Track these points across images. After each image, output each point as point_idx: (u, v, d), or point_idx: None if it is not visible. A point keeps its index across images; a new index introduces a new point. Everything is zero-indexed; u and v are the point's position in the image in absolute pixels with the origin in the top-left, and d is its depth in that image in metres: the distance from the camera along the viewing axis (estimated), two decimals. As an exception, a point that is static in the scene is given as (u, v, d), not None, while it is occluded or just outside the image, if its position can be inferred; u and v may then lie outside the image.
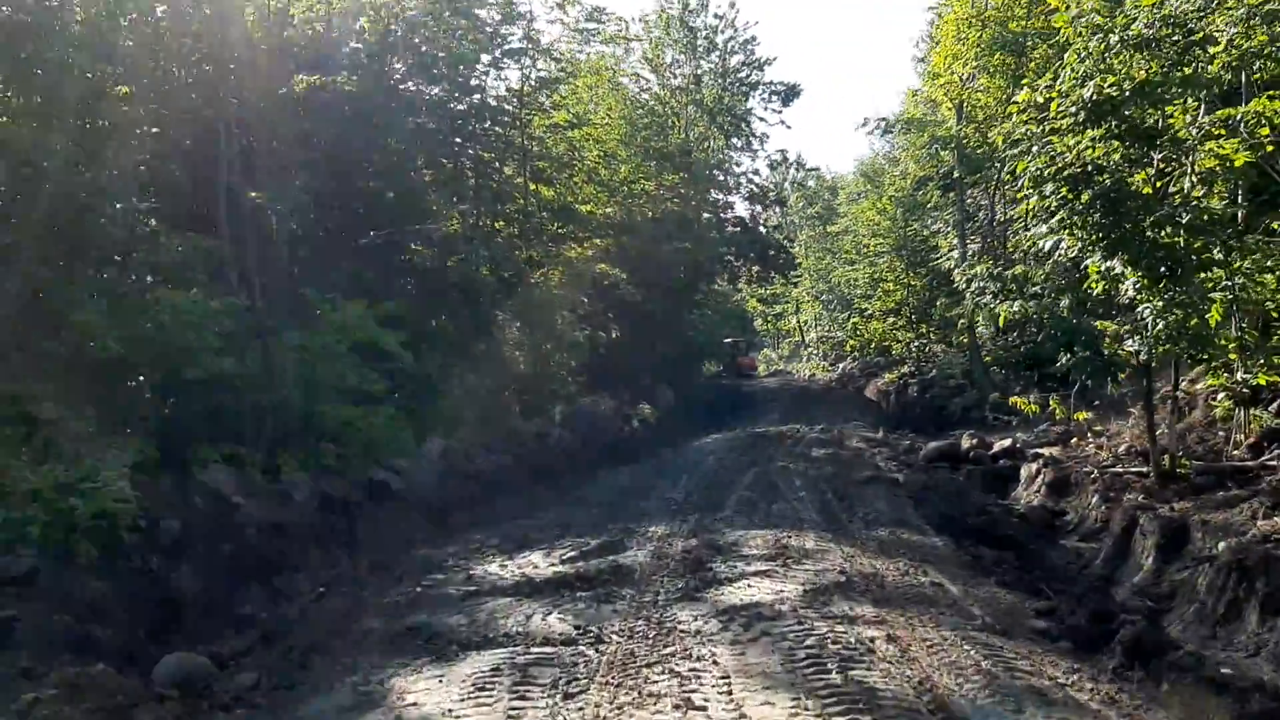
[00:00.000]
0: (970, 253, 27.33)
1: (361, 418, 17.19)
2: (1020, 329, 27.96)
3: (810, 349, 58.78)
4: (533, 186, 29.81)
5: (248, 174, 17.78)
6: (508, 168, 29.45)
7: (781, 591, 7.75)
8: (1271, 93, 13.30)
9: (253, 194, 17.26)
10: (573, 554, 9.37)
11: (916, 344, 41.84)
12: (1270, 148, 13.83)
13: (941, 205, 30.60)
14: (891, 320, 44.49)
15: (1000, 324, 13.21)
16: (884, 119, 27.23)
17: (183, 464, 13.32)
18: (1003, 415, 24.36)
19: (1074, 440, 17.83)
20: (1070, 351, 13.48)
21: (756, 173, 37.28)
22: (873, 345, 44.78)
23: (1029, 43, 25.62)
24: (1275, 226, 13.66)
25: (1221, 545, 10.09)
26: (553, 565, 9.02)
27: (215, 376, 14.39)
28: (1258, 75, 13.75)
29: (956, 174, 26.40)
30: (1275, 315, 13.62)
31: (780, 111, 41.01)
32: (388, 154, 23.14)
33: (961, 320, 31.35)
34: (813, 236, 56.24)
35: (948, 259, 33.24)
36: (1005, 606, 7.79)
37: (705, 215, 36.92)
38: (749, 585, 8.03)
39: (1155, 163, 13.92)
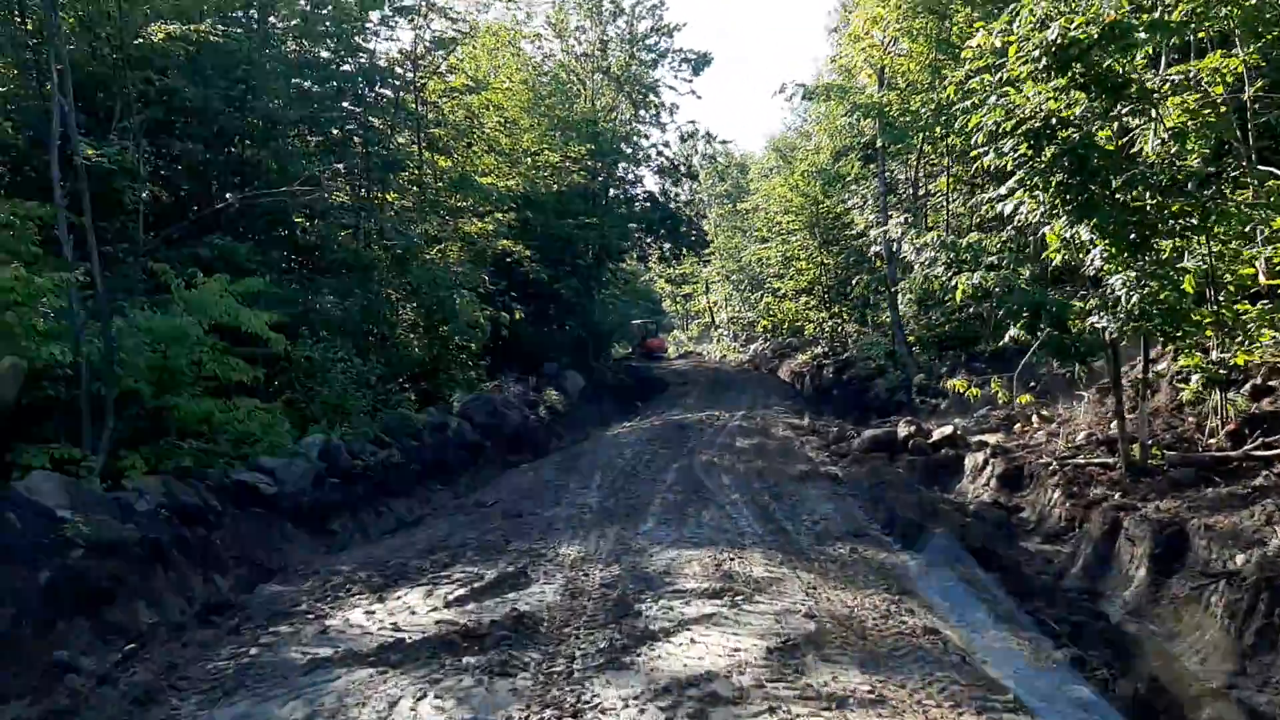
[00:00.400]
0: (892, 225, 25.81)
1: (224, 411, 14.74)
2: (940, 306, 26.64)
3: (721, 330, 57.25)
4: (428, 156, 27.35)
5: (94, 132, 15.17)
6: (401, 136, 26.92)
7: (738, 651, 5.76)
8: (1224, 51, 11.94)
9: (91, 152, 14.58)
10: (461, 593, 7.22)
11: (830, 324, 40.54)
12: (1224, 107, 12.44)
13: (862, 177, 29.03)
14: (804, 300, 43.13)
15: (958, 298, 11.38)
16: (802, 85, 25.49)
17: (-4, 471, 10.76)
18: (930, 398, 22.93)
19: (1018, 426, 16.31)
20: (1033, 330, 11.79)
21: (667, 145, 35.41)
22: (786, 326, 43.35)
23: (953, 6, 24.12)
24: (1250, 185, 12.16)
25: (1240, 558, 8.45)
26: (434, 611, 6.85)
27: (42, 364, 11.88)
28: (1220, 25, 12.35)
29: (879, 143, 24.77)
30: (1253, 286, 12.16)
31: (690, 81, 39.13)
32: (265, 117, 20.51)
33: (882, 299, 29.95)
34: (723, 215, 54.62)
35: (869, 234, 31.79)
36: (1027, 660, 5.94)
37: (613, 190, 34.82)
38: (693, 640, 6.01)
39: (1121, 116, 12.34)
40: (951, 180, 28.13)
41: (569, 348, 33.84)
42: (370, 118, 25.14)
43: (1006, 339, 14.56)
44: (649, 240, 36.37)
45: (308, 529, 13.82)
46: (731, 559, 8.21)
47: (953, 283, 11.93)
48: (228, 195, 18.31)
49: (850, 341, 39.17)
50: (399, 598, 7.27)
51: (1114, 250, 11.64)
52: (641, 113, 36.08)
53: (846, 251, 35.39)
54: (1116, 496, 11.30)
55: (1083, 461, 13.04)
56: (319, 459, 16.82)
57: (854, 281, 36.88)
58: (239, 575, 11.58)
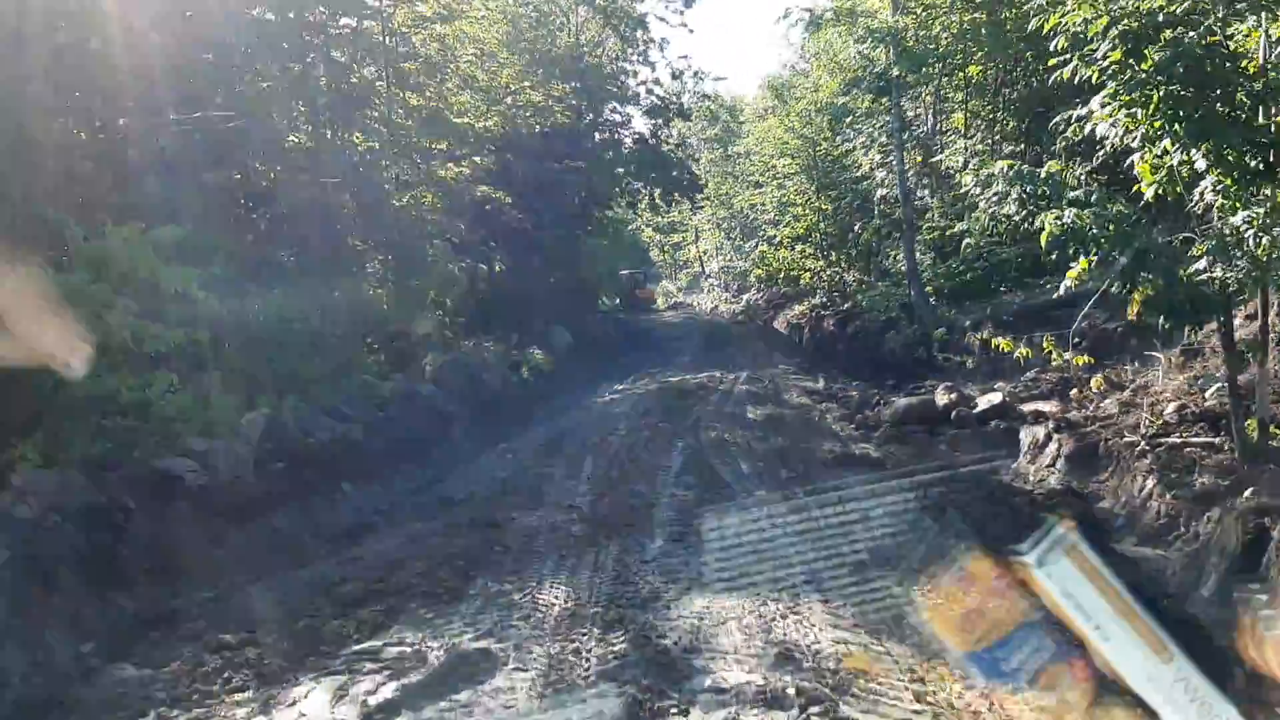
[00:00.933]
0: (907, 166, 23.25)
1: (137, 388, 12.14)
2: (958, 251, 24.06)
3: (711, 280, 54.59)
4: (398, 93, 24.45)
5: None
6: (367, 70, 24.04)
7: None
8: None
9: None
10: (389, 693, 4.74)
11: (829, 273, 37.92)
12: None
13: (871, 113, 26.25)
14: (801, 248, 40.46)
15: (1044, 241, 8.79)
16: (808, 10, 22.76)
17: None
18: (954, 355, 20.45)
19: (1074, 393, 13.81)
20: (1131, 281, 9.24)
21: (657, 83, 32.39)
22: (781, 275, 40.71)
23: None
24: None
25: None
26: (342, 727, 4.37)
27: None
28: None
29: (896, 70, 21.99)
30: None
31: (682, 14, 35.96)
32: (218, 50, 17.77)
33: (891, 245, 27.35)
34: (713, 160, 51.63)
35: (878, 176, 29.10)
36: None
37: (600, 132, 31.93)
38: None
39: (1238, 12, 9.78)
40: (968, 116, 25.43)
41: (555, 301, 31.18)
42: (332, 50, 22.26)
43: (1064, 288, 12.06)
44: (639, 185, 33.55)
45: (244, 526, 11.35)
46: (783, 615, 5.76)
47: (1034, 223, 9.32)
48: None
49: (850, 291, 36.63)
50: (293, 703, 4.73)
51: (1232, 181, 9.10)
52: (629, 48, 33.01)
53: (851, 195, 32.65)
54: (1251, 497, 8.81)
55: (1178, 441, 10.57)
56: (262, 439, 14.24)
57: (856, 228, 34.22)
58: (148, 593, 9.27)
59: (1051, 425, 12.27)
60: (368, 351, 19.67)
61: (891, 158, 28.51)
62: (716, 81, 52.58)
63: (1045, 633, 5.02)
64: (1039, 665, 4.02)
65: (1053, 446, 11.96)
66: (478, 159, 27.26)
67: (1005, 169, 9.84)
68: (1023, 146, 24.41)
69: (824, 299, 37.57)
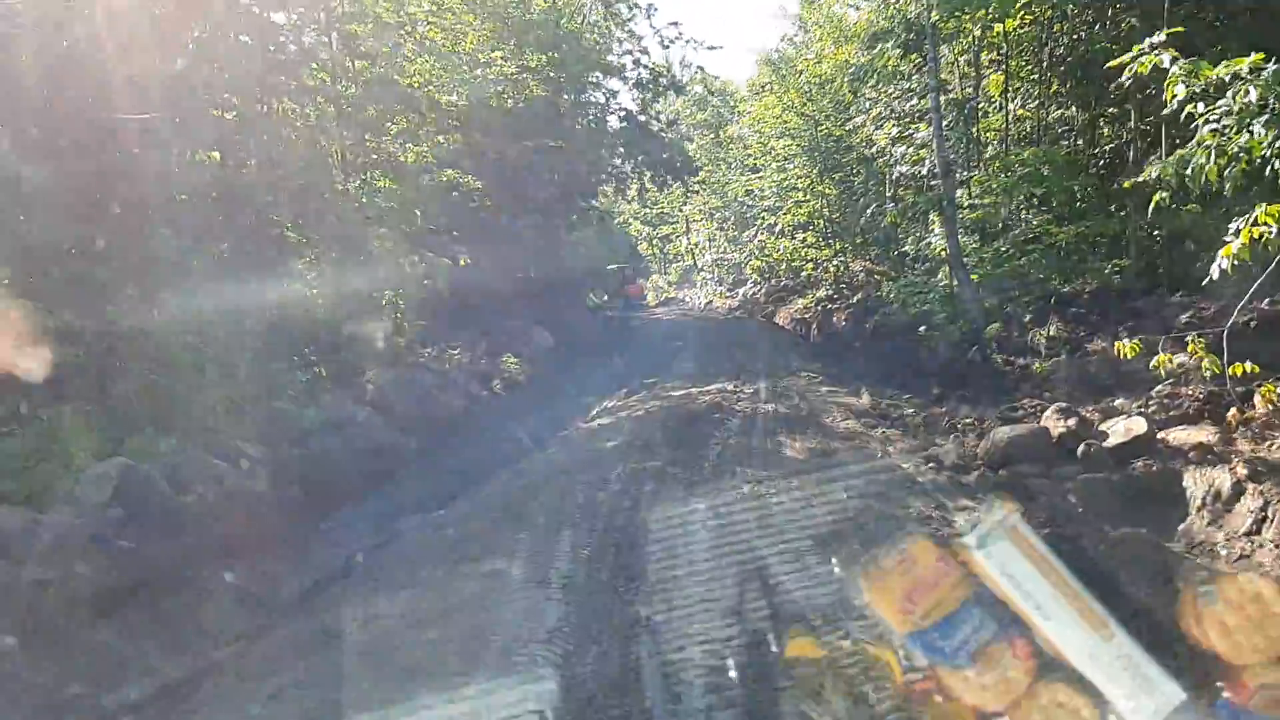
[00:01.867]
0: (948, 134, 19.22)
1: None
2: (1005, 234, 20.07)
3: (704, 274, 50.45)
4: (345, 60, 20.37)
5: None
6: (306, 34, 19.98)
7: None
8: None
9: None
10: None
11: (835, 263, 33.90)
12: None
13: (898, 76, 22.20)
14: (803, 236, 36.44)
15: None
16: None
17: None
18: (1016, 358, 16.46)
19: (1232, 415, 9.78)
20: None
21: (645, 52, 28.22)
22: (783, 267, 36.71)
23: None
24: None
25: None
26: None
27: None
28: None
29: (934, 16, 17.91)
30: None
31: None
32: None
33: (918, 227, 23.33)
34: (703, 146, 47.48)
35: (895, 152, 25.05)
36: None
37: (582, 109, 27.76)
38: None
39: None
40: (1004, 76, 21.38)
41: (533, 300, 27.06)
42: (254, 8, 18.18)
43: (1217, 269, 8.18)
44: (626, 168, 29.41)
45: (49, 652, 7.29)
46: None
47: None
48: None
49: (859, 283, 32.63)
50: None
51: None
52: (613, 15, 28.71)
53: (864, 173, 28.58)
54: None
55: None
56: (114, 500, 10.15)
57: (869, 212, 30.16)
58: None
59: (1242, 469, 8.22)
60: (298, 367, 15.55)
61: (922, 125, 24.48)
62: (711, 50, 48.18)
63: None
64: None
65: (1250, 503, 7.90)
66: (441, 138, 23.15)
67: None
68: (1074, 109, 20.38)
69: (830, 291, 33.64)
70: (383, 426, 13.58)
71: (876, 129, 27.45)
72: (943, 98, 19.57)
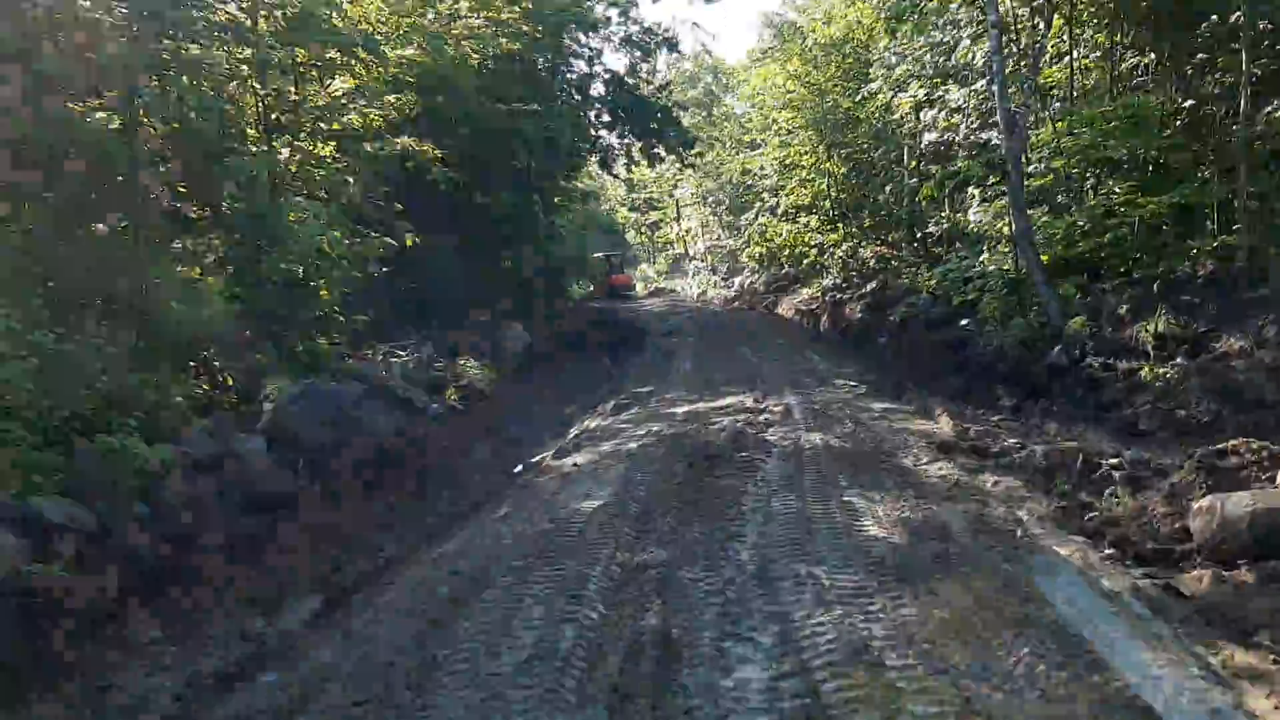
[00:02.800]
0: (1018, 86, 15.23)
1: None
2: (1081, 206, 16.04)
3: (696, 262, 46.33)
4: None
5: None
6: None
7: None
8: None
9: None
10: None
11: (845, 248, 29.85)
12: None
13: (944, 9, 18.15)
14: (808, 219, 32.35)
15: None
16: None
17: None
18: (1114, 359, 12.47)
19: None
20: None
21: (634, 3, 23.90)
22: (786, 253, 32.61)
23: None
24: None
25: None
26: None
27: None
28: None
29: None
30: None
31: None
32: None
33: (964, 200, 19.28)
34: (697, 125, 43.27)
35: (923, 117, 21.03)
36: None
37: (564, 69, 23.51)
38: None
39: None
40: (1067, 20, 17.31)
41: (509, 289, 22.96)
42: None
43: None
44: (613, 139, 25.24)
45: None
46: None
47: None
48: None
49: (871, 269, 28.63)
50: None
51: None
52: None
53: (883, 148, 24.51)
54: None
55: None
56: None
57: (885, 189, 26.13)
58: None
59: None
60: (196, 374, 11.50)
61: (953, 87, 20.42)
62: (708, 2, 44.13)
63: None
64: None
65: None
66: (393, 99, 18.92)
67: None
68: (1152, 57, 16.31)
69: (839, 279, 29.64)
70: (269, 468, 9.48)
71: (898, 93, 23.44)
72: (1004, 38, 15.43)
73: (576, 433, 11.62)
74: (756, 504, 7.04)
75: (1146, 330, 12.52)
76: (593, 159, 25.72)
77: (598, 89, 23.73)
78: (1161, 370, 11.51)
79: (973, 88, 20.29)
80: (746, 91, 33.30)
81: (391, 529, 8.23)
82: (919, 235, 22.89)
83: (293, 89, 16.45)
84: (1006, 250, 15.73)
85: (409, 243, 16.45)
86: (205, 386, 11.51)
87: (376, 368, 14.45)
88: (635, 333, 26.79)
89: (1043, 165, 15.52)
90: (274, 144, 16.42)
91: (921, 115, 21.46)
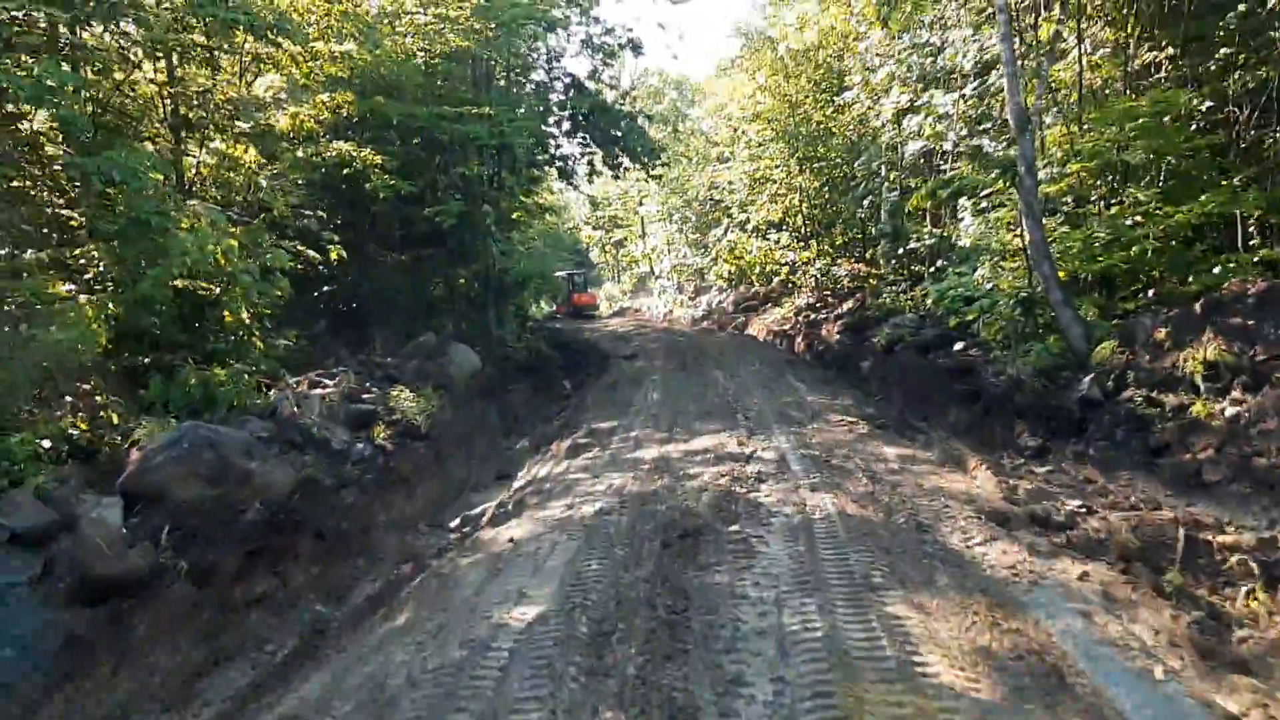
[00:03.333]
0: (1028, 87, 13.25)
1: None
2: (1099, 215, 14.07)
3: (662, 281, 44.17)
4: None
5: None
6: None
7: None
8: None
9: None
10: None
11: (819, 265, 27.87)
12: None
13: (930, 23, 16.18)
14: (778, 237, 30.36)
15: None
16: None
17: None
18: (1157, 392, 10.46)
19: None
20: None
21: (596, 2, 21.54)
22: (758, 271, 30.56)
23: None
24: None
25: None
26: None
27: None
28: None
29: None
30: None
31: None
32: None
33: (968, 207, 17.22)
34: (660, 141, 41.17)
35: (907, 125, 19.04)
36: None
37: (519, 71, 21.23)
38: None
39: None
40: (1078, 14, 15.38)
41: (458, 309, 20.61)
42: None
43: None
44: (574, 146, 22.97)
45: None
46: None
47: None
48: None
49: (845, 288, 26.67)
50: None
51: None
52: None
53: (860, 159, 22.50)
54: None
55: None
56: None
57: (863, 202, 24.13)
58: None
59: None
60: (16, 424, 9.06)
61: (937, 92, 18.47)
62: (674, 3, 41.55)
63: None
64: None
65: None
66: (326, 98, 16.70)
67: None
68: (1170, 53, 14.39)
69: (812, 299, 27.63)
70: (119, 541, 7.10)
71: (880, 99, 21.48)
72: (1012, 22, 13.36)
73: (522, 483, 9.33)
74: (761, 622, 4.79)
75: (1195, 358, 10.47)
76: (552, 171, 23.43)
77: (557, 94, 21.49)
78: (1219, 406, 9.46)
79: (962, 92, 18.40)
80: (714, 104, 31.23)
81: (241, 652, 5.85)
82: (901, 251, 20.85)
83: (206, 80, 14.12)
84: (1013, 265, 13.68)
85: (334, 255, 14.09)
86: (64, 427, 9.08)
87: (296, 400, 12.04)
88: (598, 355, 24.52)
89: (1055, 170, 13.49)
90: (184, 142, 14.12)
91: (905, 123, 19.51)
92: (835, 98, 26.28)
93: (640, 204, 44.54)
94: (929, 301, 15.44)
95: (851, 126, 25.75)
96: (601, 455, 9.95)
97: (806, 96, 27.51)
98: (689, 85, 45.20)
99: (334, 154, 17.06)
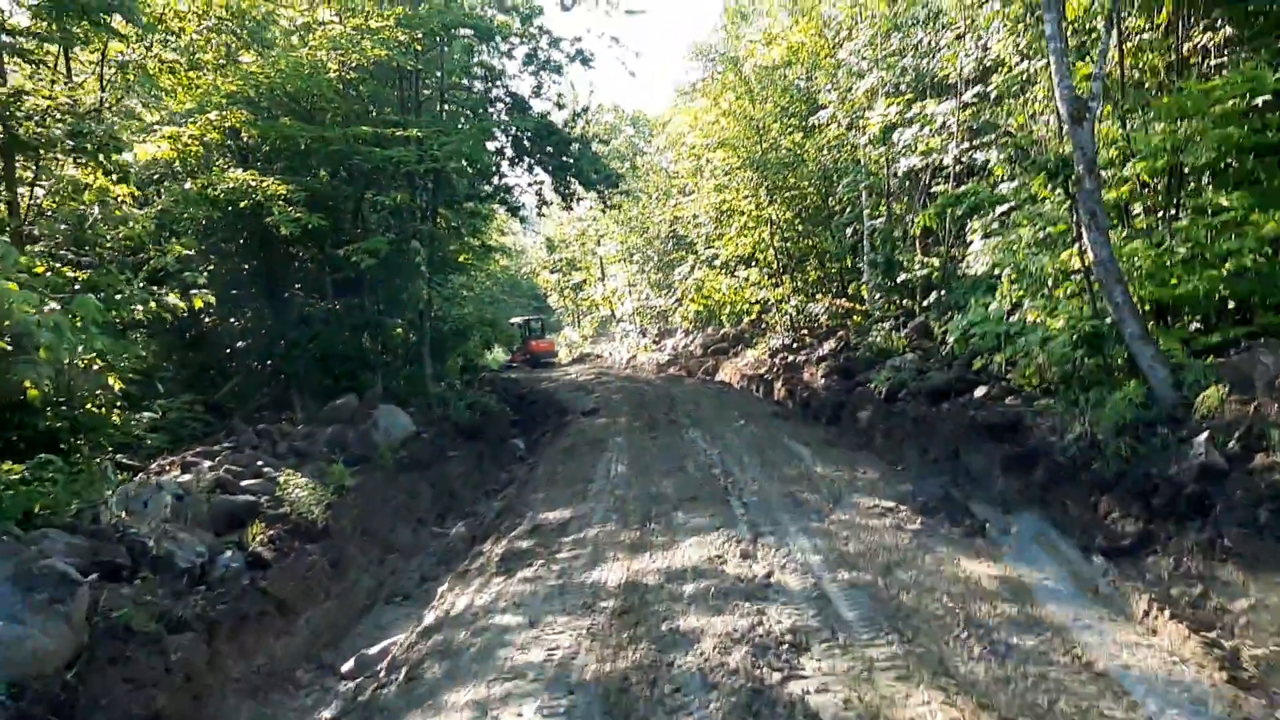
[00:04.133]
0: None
1: None
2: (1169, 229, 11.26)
3: (624, 324, 41.16)
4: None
5: None
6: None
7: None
8: None
9: None
10: None
11: (795, 301, 25.00)
12: None
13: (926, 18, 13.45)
14: (746, 273, 27.48)
15: None
16: None
17: None
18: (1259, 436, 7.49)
19: None
20: None
21: (540, 10, 18.33)
22: (728, 311, 27.63)
23: None
24: None
25: None
26: None
27: None
28: None
29: None
30: None
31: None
32: None
33: (969, 232, 14.38)
34: (615, 170, 38.33)
35: (899, 138, 16.28)
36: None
37: (454, 90, 18.05)
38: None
39: None
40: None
41: (391, 364, 17.35)
42: None
43: None
44: (521, 174, 19.69)
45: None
46: None
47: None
48: None
49: (823, 328, 23.88)
50: None
51: None
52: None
53: (855, 176, 19.66)
54: None
55: None
56: None
57: (845, 230, 21.35)
58: None
59: None
60: None
61: (930, 102, 15.78)
62: (630, 14, 37.36)
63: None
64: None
65: None
66: (214, 115, 13.61)
67: None
68: (1227, 32, 11.68)
69: (789, 340, 24.77)
70: None
71: (863, 115, 18.77)
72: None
73: (419, 632, 6.11)
74: None
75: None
76: (500, 208, 20.22)
77: (498, 113, 18.43)
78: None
79: (961, 99, 15.69)
80: (675, 134, 28.43)
81: None
82: (894, 283, 17.98)
83: (41, 89, 10.92)
84: (1066, 291, 10.75)
85: (198, 304, 10.84)
86: None
87: (132, 499, 8.73)
88: (555, 409, 21.35)
89: (1115, 172, 10.64)
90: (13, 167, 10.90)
91: (895, 137, 16.76)
92: (805, 121, 23.67)
93: (599, 243, 41.68)
94: (950, 339, 12.49)
95: (825, 151, 23.09)
96: (545, 575, 6.78)
97: (774, 120, 24.85)
98: (645, 121, 42.56)
99: (229, 185, 13.88)
